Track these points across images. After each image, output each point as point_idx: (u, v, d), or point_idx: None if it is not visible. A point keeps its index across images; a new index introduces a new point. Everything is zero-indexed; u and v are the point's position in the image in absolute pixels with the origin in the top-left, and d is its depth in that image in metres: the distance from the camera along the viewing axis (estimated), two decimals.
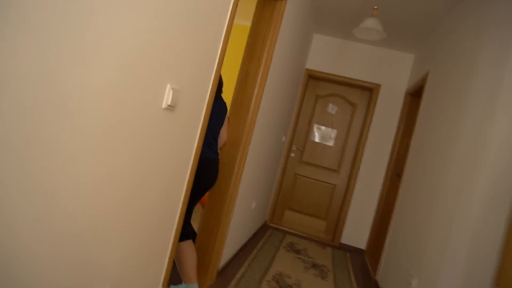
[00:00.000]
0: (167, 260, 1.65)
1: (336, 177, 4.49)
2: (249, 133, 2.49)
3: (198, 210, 2.65)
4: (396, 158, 4.02)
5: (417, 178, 2.80)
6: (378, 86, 4.29)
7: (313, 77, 4.55)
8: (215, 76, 1.63)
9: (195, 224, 2.63)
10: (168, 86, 1.19)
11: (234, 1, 1.64)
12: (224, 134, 2.34)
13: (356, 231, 4.32)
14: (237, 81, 2.50)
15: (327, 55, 4.46)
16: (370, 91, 4.45)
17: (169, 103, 1.20)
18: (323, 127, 4.53)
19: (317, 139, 4.54)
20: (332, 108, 4.53)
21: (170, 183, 1.45)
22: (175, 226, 1.64)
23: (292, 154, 4.57)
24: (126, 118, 1.01)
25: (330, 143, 4.50)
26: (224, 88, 4.46)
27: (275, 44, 2.49)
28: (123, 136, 1.02)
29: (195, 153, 1.61)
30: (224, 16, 1.60)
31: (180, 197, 1.61)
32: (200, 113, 1.57)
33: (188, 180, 1.62)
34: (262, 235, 3.89)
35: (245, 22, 4.67)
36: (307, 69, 4.46)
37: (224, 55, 1.66)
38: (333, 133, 4.50)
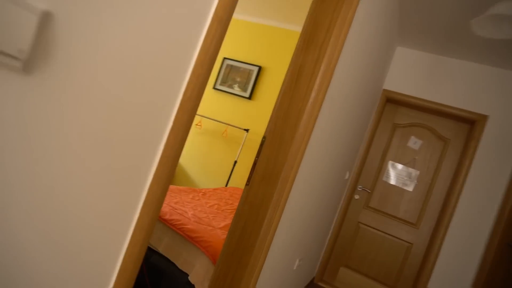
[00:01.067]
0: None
1: (413, 233, 3.35)
2: (296, 161, 1.60)
3: (206, 266, 1.78)
4: (508, 221, 2.82)
5: None
6: (484, 117, 3.16)
7: (391, 101, 3.55)
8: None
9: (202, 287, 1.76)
10: None
11: None
12: None
13: None
14: (284, 83, 1.65)
15: (412, 73, 3.45)
16: (471, 123, 3.32)
17: None
18: (400, 166, 3.47)
19: (391, 181, 3.47)
20: (414, 142, 3.46)
21: None
22: None
23: (356, 196, 3.54)
24: None
25: (409, 187, 3.41)
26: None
27: (348, 29, 1.62)
28: None
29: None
30: None
31: None
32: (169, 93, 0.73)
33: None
34: None
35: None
36: (384, 90, 3.49)
37: None
38: (414, 174, 3.41)
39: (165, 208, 2.04)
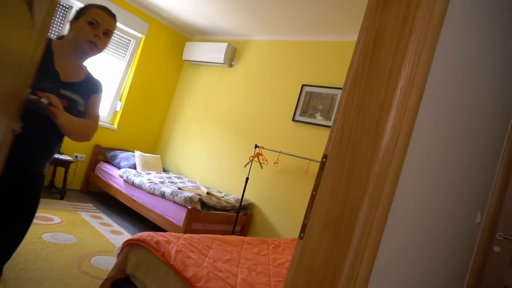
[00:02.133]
0: None
1: None
2: (385, 192, 0.90)
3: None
4: None
5: None
6: None
7: None
8: None
9: None
10: None
11: None
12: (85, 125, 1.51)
13: None
14: (352, 64, 1.00)
15: None
16: None
17: None
18: None
19: None
20: None
21: None
22: None
23: (497, 249, 2.47)
24: None
25: None
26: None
27: None
28: None
29: None
30: None
31: None
32: None
33: None
34: None
35: None
36: None
37: None
38: None
39: (202, 270, 1.47)
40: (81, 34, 1.45)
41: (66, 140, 4.67)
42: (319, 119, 3.78)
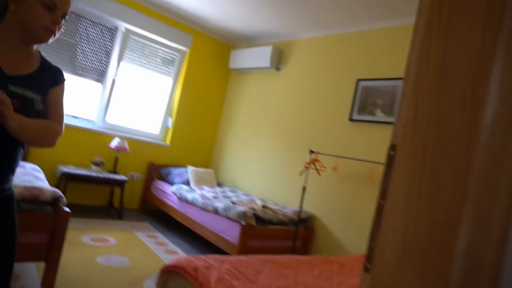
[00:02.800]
0: None
1: None
2: (498, 198, 0.55)
3: None
4: None
5: None
6: None
7: None
8: None
9: None
10: None
11: None
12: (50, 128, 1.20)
13: None
14: (420, 13, 0.67)
15: None
16: None
17: None
18: None
19: None
20: None
21: None
22: None
23: None
24: None
25: None
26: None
27: None
28: None
29: None
30: None
31: None
32: None
33: None
34: None
35: None
36: None
37: None
38: None
39: None
40: (35, 19, 1.13)
41: (121, 160, 4.74)
42: (379, 115, 3.36)
